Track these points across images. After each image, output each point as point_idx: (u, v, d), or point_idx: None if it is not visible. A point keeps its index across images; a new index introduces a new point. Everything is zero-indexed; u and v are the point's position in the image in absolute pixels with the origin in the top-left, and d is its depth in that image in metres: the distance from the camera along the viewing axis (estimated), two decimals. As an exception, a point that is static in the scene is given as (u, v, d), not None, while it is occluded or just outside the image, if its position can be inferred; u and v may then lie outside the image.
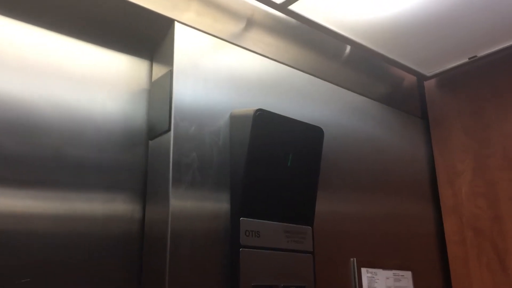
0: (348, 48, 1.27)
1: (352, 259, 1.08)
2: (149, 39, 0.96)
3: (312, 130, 1.01)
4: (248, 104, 0.98)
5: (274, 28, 1.10)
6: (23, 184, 0.77)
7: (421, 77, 1.41)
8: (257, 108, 0.92)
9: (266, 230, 0.89)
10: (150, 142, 0.91)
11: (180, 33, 0.92)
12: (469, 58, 1.28)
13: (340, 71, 1.23)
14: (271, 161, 0.93)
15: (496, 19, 1.11)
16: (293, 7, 1.03)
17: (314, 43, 1.19)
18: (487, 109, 1.29)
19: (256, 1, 1.02)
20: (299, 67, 1.13)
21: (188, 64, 0.91)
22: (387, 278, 1.13)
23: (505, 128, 1.25)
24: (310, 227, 0.97)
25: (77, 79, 0.87)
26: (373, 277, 1.10)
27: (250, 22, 1.06)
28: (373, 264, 1.11)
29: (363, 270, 1.09)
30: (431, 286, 1.26)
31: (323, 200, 1.06)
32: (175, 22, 0.92)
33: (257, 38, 1.06)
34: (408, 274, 1.18)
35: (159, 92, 0.91)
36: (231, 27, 1.01)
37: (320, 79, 1.16)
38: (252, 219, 0.88)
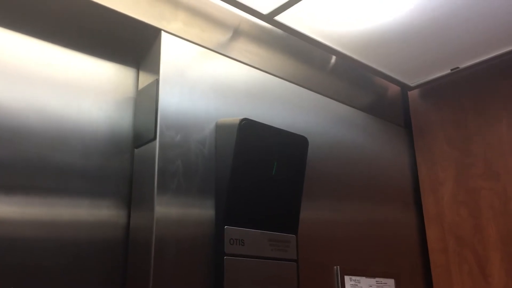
0: (333, 58, 1.29)
1: (335, 267, 1.09)
2: (136, 48, 0.96)
3: (297, 139, 1.02)
4: (233, 114, 0.99)
5: (261, 38, 1.12)
6: (8, 190, 0.76)
7: (404, 87, 1.43)
8: (243, 117, 0.93)
9: (251, 238, 0.90)
10: (136, 150, 0.92)
11: (166, 43, 0.92)
12: (451, 70, 1.31)
13: (325, 81, 1.25)
14: (256, 170, 0.93)
15: (478, 31, 1.14)
16: (279, 17, 1.04)
17: (299, 54, 1.20)
18: (470, 119, 1.32)
19: (242, 12, 1.03)
20: (284, 77, 1.14)
21: (175, 73, 0.92)
22: (370, 286, 1.14)
23: (487, 138, 1.27)
24: (294, 236, 0.98)
25: (64, 86, 0.87)
26: (357, 284, 1.11)
27: (237, 32, 1.07)
28: (356, 272, 1.12)
29: (347, 277, 1.10)
30: (413, 293, 1.27)
31: (307, 208, 1.06)
32: (162, 32, 0.92)
33: (243, 48, 1.07)
34: (391, 281, 1.20)
35: (145, 100, 0.92)
36: (217, 37, 1.02)
37: (305, 89, 1.18)
38: (236, 228, 0.89)
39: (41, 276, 0.77)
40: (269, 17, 1.04)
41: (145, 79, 0.95)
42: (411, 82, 1.39)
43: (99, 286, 0.83)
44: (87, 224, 0.84)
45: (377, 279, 1.16)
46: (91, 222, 0.84)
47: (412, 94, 1.46)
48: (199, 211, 0.88)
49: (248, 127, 0.92)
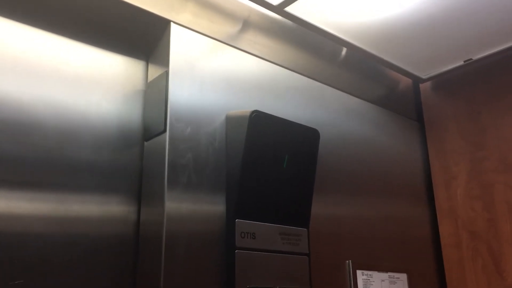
0: (344, 50, 1.27)
1: (347, 261, 1.08)
2: (145, 40, 0.96)
3: (308, 132, 1.01)
4: (244, 106, 0.98)
5: (271, 29, 1.10)
6: (17, 185, 0.76)
7: (416, 80, 1.41)
8: (253, 109, 0.92)
9: (262, 231, 0.89)
10: (146, 143, 0.91)
11: (176, 34, 0.92)
12: (464, 61, 1.29)
13: (336, 73, 1.23)
14: (267, 163, 0.92)
15: (491, 22, 1.12)
16: (289, 9, 1.03)
17: (310, 45, 1.19)
18: (483, 112, 1.30)
19: (252, 3, 1.02)
20: (295, 69, 1.12)
21: (184, 65, 0.91)
22: (383, 281, 1.13)
23: (501, 131, 1.25)
24: (305, 229, 0.97)
25: (73, 79, 0.87)
26: (369, 279, 1.10)
27: (247, 24, 1.05)
28: (368, 267, 1.11)
29: (359, 272, 1.08)
30: (427, 288, 1.26)
31: (318, 202, 1.05)
32: (171, 23, 0.91)
33: (253, 39, 1.06)
34: (403, 276, 1.18)
35: (155, 93, 0.91)
36: (227, 28, 1.01)
37: (316, 81, 1.16)
38: (247, 221, 0.88)
39: (51, 271, 0.76)
40: (279, 8, 1.02)
41: (154, 71, 0.94)
42: (423, 75, 1.37)
43: (109, 282, 0.82)
44: (97, 220, 0.83)
45: (389, 273, 1.15)
46: (101, 218, 0.84)
47: (424, 87, 1.44)
48: (210, 206, 0.87)
49: (258, 119, 0.91)
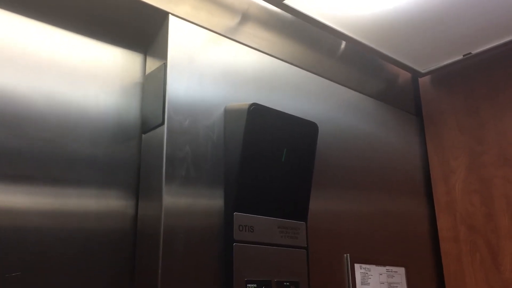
0: (343, 44, 1.27)
1: (345, 255, 1.08)
2: (143, 32, 0.95)
3: (307, 125, 1.01)
4: (242, 99, 0.97)
5: (270, 22, 1.10)
6: (16, 178, 0.76)
7: (415, 74, 1.41)
8: (252, 102, 0.91)
9: (260, 225, 0.89)
10: (144, 135, 0.91)
11: (174, 26, 0.91)
12: (463, 55, 1.28)
13: (335, 67, 1.23)
14: (265, 156, 0.92)
15: (491, 16, 1.11)
16: (288, 1, 1.02)
17: (309, 38, 1.18)
18: (482, 106, 1.29)
19: (251, -5, 1.02)
20: (294, 62, 1.12)
21: (182, 57, 0.90)
22: (380, 274, 1.13)
23: (500, 125, 1.25)
24: (304, 223, 0.97)
25: (71, 72, 0.86)
26: (367, 273, 1.10)
27: (246, 17, 1.05)
28: (366, 260, 1.11)
29: (357, 266, 1.08)
30: (424, 282, 1.26)
31: (316, 196, 1.05)
32: (170, 15, 0.91)
33: (252, 32, 1.05)
34: (401, 270, 1.18)
35: (153, 85, 0.91)
36: (226, 21, 1.01)
37: (315, 75, 1.16)
38: (246, 214, 0.87)
39: (48, 265, 0.76)
40: (278, 1, 1.02)
41: (152, 64, 0.93)
42: (422, 69, 1.36)
43: (107, 277, 0.82)
44: (95, 214, 0.83)
45: (387, 267, 1.15)
46: (99, 212, 0.83)
47: (423, 81, 1.44)
48: (208, 200, 0.87)
49: (257, 112, 0.91)
